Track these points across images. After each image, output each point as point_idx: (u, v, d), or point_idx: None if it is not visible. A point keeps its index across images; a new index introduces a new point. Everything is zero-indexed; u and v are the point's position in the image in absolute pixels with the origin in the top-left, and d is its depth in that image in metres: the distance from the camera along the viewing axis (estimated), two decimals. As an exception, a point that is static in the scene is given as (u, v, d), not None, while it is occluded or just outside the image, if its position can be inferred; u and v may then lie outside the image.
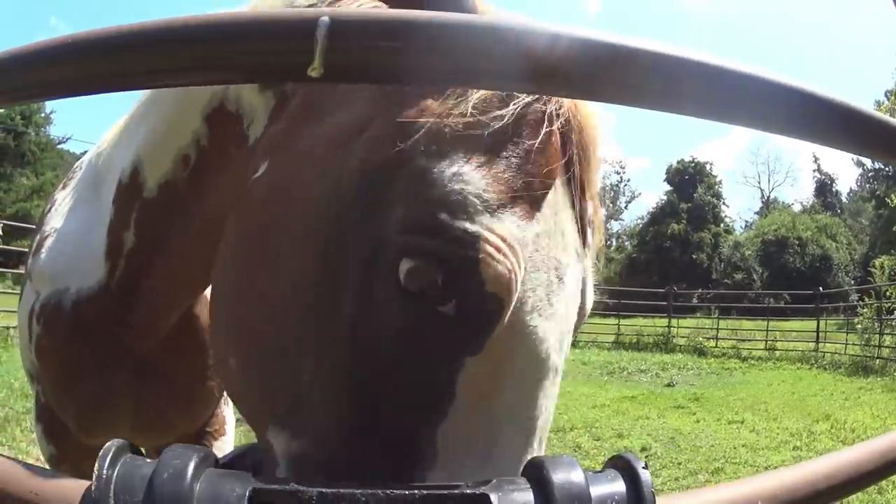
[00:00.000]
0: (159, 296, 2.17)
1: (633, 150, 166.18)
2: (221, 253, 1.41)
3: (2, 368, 11.65)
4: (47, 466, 6.44)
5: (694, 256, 64.22)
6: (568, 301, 1.15)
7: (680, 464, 8.16)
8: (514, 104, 1.06)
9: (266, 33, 0.76)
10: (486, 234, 1.00)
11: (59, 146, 72.47)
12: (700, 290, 52.09)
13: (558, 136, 1.14)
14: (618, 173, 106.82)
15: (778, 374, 19.18)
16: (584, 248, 1.23)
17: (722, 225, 70.66)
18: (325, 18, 0.70)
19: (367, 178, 1.08)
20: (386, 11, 0.77)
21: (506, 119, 1.05)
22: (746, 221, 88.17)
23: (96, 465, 0.80)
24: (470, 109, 1.04)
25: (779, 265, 58.14)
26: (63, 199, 2.58)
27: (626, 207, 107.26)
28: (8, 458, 0.99)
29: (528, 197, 1.08)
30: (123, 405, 2.59)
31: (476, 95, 1.05)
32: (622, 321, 29.51)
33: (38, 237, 2.60)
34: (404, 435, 1.03)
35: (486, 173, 1.04)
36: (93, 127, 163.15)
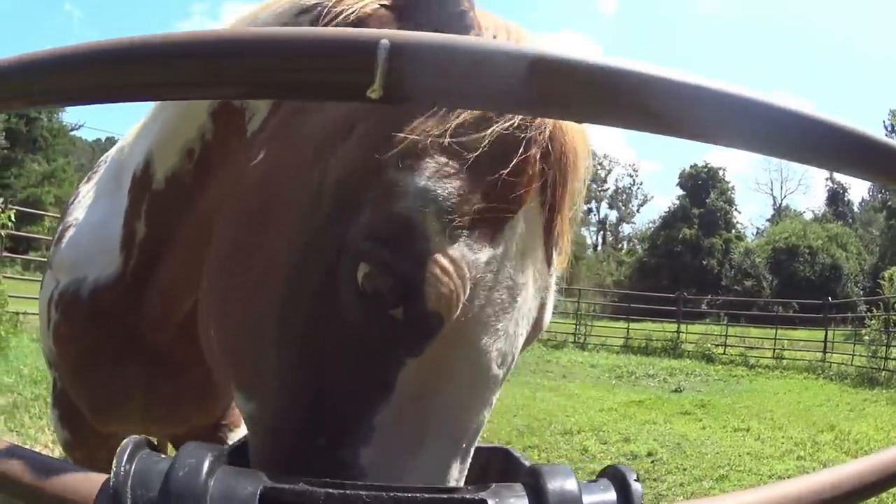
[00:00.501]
0: (170, 285, 2.22)
1: (645, 153, 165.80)
2: (215, 232, 1.52)
3: (11, 354, 11.62)
4: (56, 453, 6.45)
5: (704, 262, 64.05)
6: (518, 319, 1.22)
7: (685, 470, 8.18)
8: (494, 127, 1.11)
9: (326, 53, 0.80)
10: (438, 254, 1.07)
11: (71, 133, 72.12)
12: (710, 297, 51.86)
13: (536, 161, 1.18)
14: (630, 176, 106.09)
15: (785, 382, 19.15)
16: (549, 268, 1.32)
17: (733, 231, 70.30)
18: (385, 41, 0.74)
19: (342, 180, 1.16)
20: (438, 37, 0.81)
21: (483, 143, 1.10)
22: (758, 228, 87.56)
23: (115, 460, 0.86)
24: (452, 129, 1.10)
25: (788, 273, 57.78)
26: (86, 192, 2.66)
27: (638, 211, 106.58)
28: (30, 451, 1.06)
29: (492, 220, 1.14)
30: (136, 394, 2.63)
31: (460, 116, 1.11)
32: (631, 325, 29.48)
33: (60, 227, 2.68)
34: (346, 414, 1.13)
35: (453, 194, 1.10)
36: (106, 115, 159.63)
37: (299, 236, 1.20)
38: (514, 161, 1.13)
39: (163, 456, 0.89)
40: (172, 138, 2.03)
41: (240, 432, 3.04)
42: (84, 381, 2.62)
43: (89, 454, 2.95)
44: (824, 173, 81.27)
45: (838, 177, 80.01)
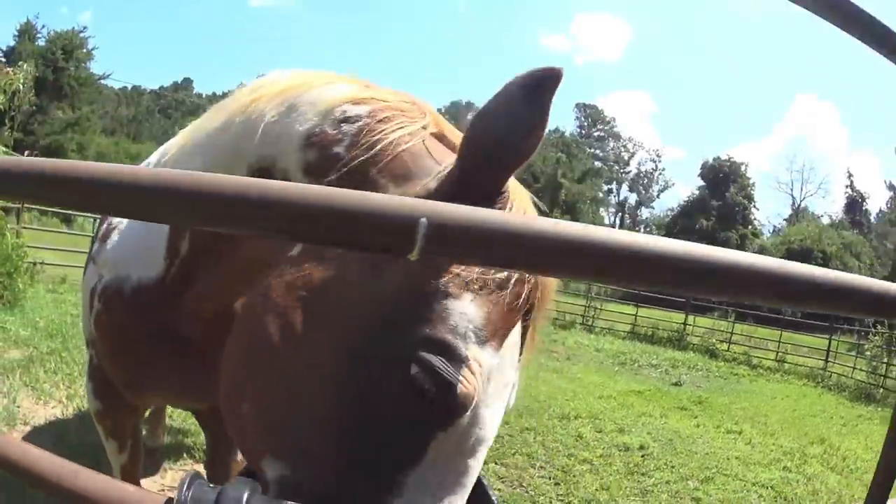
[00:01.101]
0: (203, 293, 2.44)
1: (670, 139, 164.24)
2: (245, 325, 1.77)
3: (27, 305, 11.50)
4: (70, 410, 6.62)
5: (719, 256, 63.92)
6: (504, 401, 1.59)
7: (674, 468, 8.28)
8: (507, 271, 1.50)
9: (369, 223, 0.92)
10: (472, 360, 1.41)
11: (99, 82, 71.93)
12: (719, 291, 51.88)
13: (527, 291, 1.55)
14: (653, 161, 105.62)
15: (784, 387, 19.16)
16: (519, 363, 1.66)
17: (750, 227, 69.92)
18: (424, 220, 0.88)
19: (397, 301, 1.45)
20: (472, 213, 0.93)
21: (502, 279, 1.49)
22: (775, 226, 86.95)
23: (178, 488, 1.13)
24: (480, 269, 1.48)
25: None
26: None
27: (658, 196, 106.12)
28: (99, 475, 1.16)
29: (501, 334, 1.50)
30: (168, 376, 2.91)
31: None
32: (640, 311, 29.49)
33: (104, 227, 2.95)
34: (387, 473, 1.43)
35: (482, 315, 1.46)
36: (134, 65, 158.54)
37: (352, 340, 1.47)
38: (518, 291, 1.53)
39: (213, 486, 1.16)
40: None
41: None
42: (123, 362, 2.92)
43: (118, 422, 3.34)
44: (845, 180, 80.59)
45: (859, 185, 79.63)
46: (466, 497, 1.55)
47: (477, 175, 1.54)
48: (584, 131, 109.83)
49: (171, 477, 5.87)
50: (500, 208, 1.55)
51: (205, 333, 2.63)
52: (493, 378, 1.51)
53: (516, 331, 1.60)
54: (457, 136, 1.88)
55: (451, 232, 0.91)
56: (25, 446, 1.23)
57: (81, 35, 66.03)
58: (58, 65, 61.96)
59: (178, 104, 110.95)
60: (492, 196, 1.56)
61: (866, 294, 1.02)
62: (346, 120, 1.91)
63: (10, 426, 6.17)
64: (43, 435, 6.15)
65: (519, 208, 1.65)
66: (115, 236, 2.82)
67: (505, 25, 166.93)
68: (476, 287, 1.49)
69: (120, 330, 2.80)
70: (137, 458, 3.57)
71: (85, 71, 66.23)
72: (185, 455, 6.34)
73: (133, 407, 3.42)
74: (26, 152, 16.71)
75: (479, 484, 1.63)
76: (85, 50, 66.86)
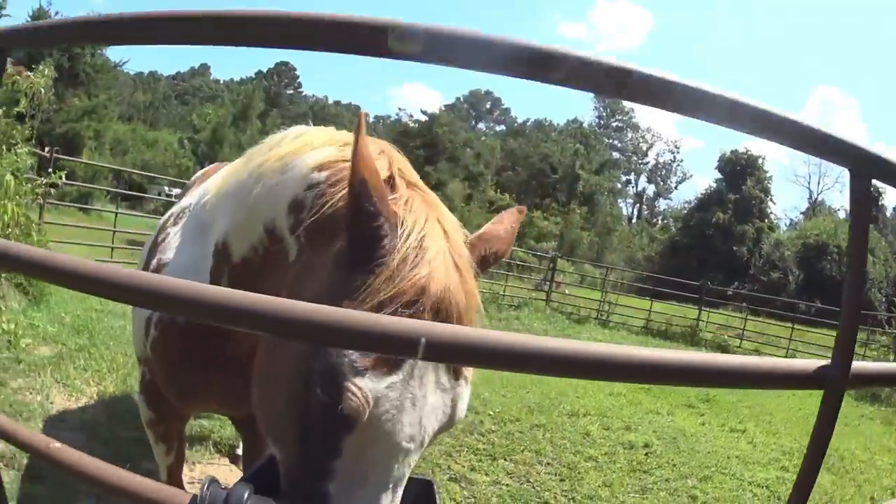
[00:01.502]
0: None
1: (689, 129, 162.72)
2: (259, 350, 2.27)
3: (52, 301, 11.14)
4: (100, 408, 6.77)
5: (735, 248, 63.55)
6: (423, 416, 1.88)
7: (675, 466, 8.48)
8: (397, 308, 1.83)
9: (378, 341, 1.26)
10: (350, 384, 1.73)
11: (115, 68, 70.26)
12: (735, 285, 51.68)
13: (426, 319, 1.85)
14: (671, 152, 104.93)
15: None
16: (457, 380, 1.95)
17: (766, 221, 69.37)
18: (423, 340, 1.20)
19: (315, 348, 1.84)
20: (457, 332, 1.28)
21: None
22: (792, 220, 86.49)
23: (200, 487, 1.52)
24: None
25: (815, 270, 57.44)
26: (174, 235, 3.32)
27: (676, 188, 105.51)
28: (145, 478, 1.56)
29: (389, 361, 1.79)
30: (216, 390, 3.31)
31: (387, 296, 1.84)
32: (654, 306, 29.53)
33: (154, 262, 3.29)
34: (319, 463, 1.83)
35: (359, 354, 1.77)
36: (149, 50, 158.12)
37: (297, 361, 1.89)
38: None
39: (225, 487, 1.57)
40: (242, 235, 2.74)
41: None
42: (177, 380, 3.30)
43: (167, 429, 3.70)
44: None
45: (874, 181, 78.46)
46: (397, 495, 1.92)
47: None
48: (602, 122, 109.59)
49: (199, 470, 6.19)
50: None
51: (248, 353, 2.93)
52: (394, 396, 1.84)
53: (424, 365, 1.91)
54: (411, 176, 2.24)
55: (442, 346, 1.22)
56: (82, 455, 1.64)
57: None
58: (73, 51, 60.18)
59: (195, 90, 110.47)
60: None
61: (755, 373, 1.37)
62: (311, 187, 2.31)
63: (44, 422, 6.38)
64: (76, 431, 6.34)
65: (423, 228, 1.98)
66: (165, 270, 3.16)
67: (523, 12, 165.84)
68: None
69: (176, 354, 3.16)
70: (181, 459, 3.98)
71: (101, 58, 64.89)
72: (212, 449, 6.65)
73: (182, 416, 3.83)
74: (46, 148, 16.51)
75: (431, 493, 2.08)
76: None
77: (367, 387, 1.77)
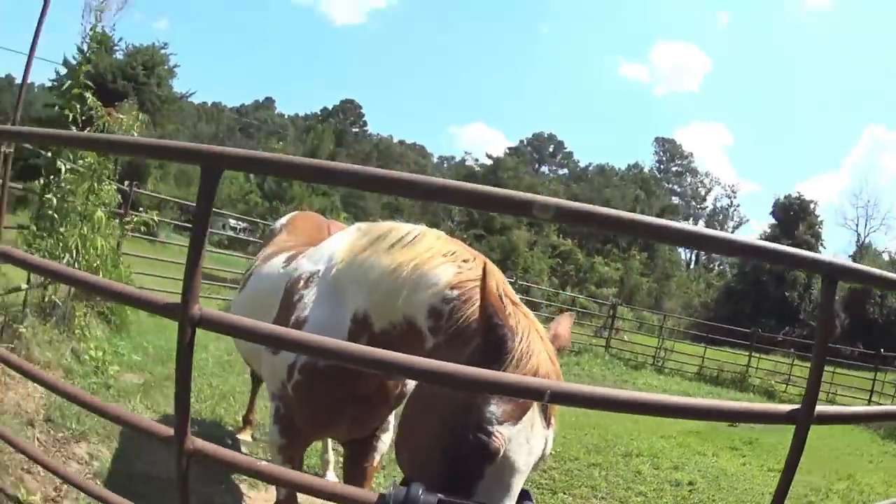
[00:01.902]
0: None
1: (745, 172, 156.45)
2: (413, 401, 3.00)
3: (132, 330, 11.07)
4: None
5: (787, 293, 62.77)
6: (530, 452, 2.61)
7: (714, 502, 8.95)
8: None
9: (516, 393, 2.42)
10: (495, 430, 2.49)
11: (181, 100, 68.11)
12: (786, 330, 51.28)
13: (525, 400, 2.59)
14: (729, 197, 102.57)
15: (829, 427, 17.30)
16: (548, 426, 2.71)
17: (817, 266, 67.90)
18: (548, 392, 2.20)
19: (467, 401, 2.55)
20: (570, 388, 2.42)
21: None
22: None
23: (390, 489, 2.31)
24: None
25: (860, 314, 56.67)
26: (309, 296, 3.77)
27: (732, 233, 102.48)
28: (337, 482, 2.77)
29: (517, 415, 2.55)
30: (345, 421, 3.85)
31: None
32: (707, 352, 29.53)
33: (293, 318, 3.74)
34: (467, 482, 2.50)
35: (502, 411, 2.52)
36: (213, 80, 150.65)
37: (451, 415, 2.58)
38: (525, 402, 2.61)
39: (403, 488, 2.27)
40: (381, 312, 3.38)
41: (387, 435, 4.33)
42: (314, 416, 3.81)
43: (295, 453, 4.06)
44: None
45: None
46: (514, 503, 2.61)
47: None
48: (661, 166, 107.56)
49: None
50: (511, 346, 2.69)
51: (375, 391, 3.76)
52: (519, 438, 2.57)
53: (532, 412, 2.61)
54: (512, 294, 3.00)
55: (561, 397, 2.33)
56: (286, 470, 2.66)
57: (163, 51, 63.67)
58: (139, 80, 59.86)
59: (260, 123, 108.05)
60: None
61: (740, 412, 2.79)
62: (446, 301, 3.05)
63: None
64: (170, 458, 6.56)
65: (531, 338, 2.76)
66: (306, 327, 3.61)
67: (585, 50, 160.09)
68: (498, 398, 2.57)
69: (316, 394, 3.65)
70: None
71: (167, 89, 63.90)
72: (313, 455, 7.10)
73: (309, 442, 4.35)
74: (126, 182, 15.44)
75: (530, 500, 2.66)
76: (167, 67, 65.65)
77: (504, 432, 2.53)
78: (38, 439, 5.50)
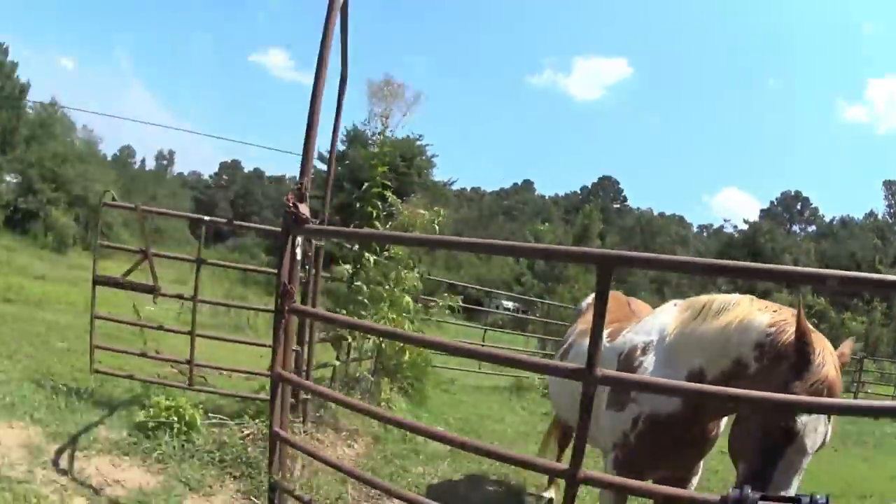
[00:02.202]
0: (705, 417, 4.10)
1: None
2: (738, 420, 3.70)
3: (430, 404, 11.71)
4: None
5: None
6: (816, 438, 3.42)
7: None
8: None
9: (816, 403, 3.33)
10: (798, 418, 3.36)
11: (444, 187, 68.09)
12: None
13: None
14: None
15: None
16: (829, 422, 3.46)
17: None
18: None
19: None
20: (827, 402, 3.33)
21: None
22: None
23: (736, 490, 2.92)
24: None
25: None
26: (648, 361, 4.35)
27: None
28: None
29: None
30: (678, 460, 4.44)
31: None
32: None
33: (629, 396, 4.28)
34: (771, 460, 3.42)
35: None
36: (474, 169, 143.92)
37: (773, 418, 3.40)
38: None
39: (737, 490, 2.90)
40: (714, 362, 3.97)
41: (695, 480, 4.76)
42: (652, 459, 4.35)
43: (624, 498, 4.65)
44: None
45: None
46: (800, 479, 3.33)
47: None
48: (892, 210, 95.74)
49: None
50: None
51: (699, 436, 4.35)
52: (808, 425, 3.29)
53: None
54: (805, 322, 3.50)
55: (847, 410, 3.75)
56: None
57: (418, 143, 63.10)
58: (398, 171, 55.81)
59: (521, 205, 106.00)
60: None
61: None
62: (768, 335, 3.70)
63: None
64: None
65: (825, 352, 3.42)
66: (644, 395, 4.20)
67: (811, 101, 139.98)
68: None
69: (658, 439, 4.18)
70: None
71: (429, 179, 63.50)
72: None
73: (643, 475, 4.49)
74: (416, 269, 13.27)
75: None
76: (424, 157, 64.54)
77: (804, 419, 3.26)
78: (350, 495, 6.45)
